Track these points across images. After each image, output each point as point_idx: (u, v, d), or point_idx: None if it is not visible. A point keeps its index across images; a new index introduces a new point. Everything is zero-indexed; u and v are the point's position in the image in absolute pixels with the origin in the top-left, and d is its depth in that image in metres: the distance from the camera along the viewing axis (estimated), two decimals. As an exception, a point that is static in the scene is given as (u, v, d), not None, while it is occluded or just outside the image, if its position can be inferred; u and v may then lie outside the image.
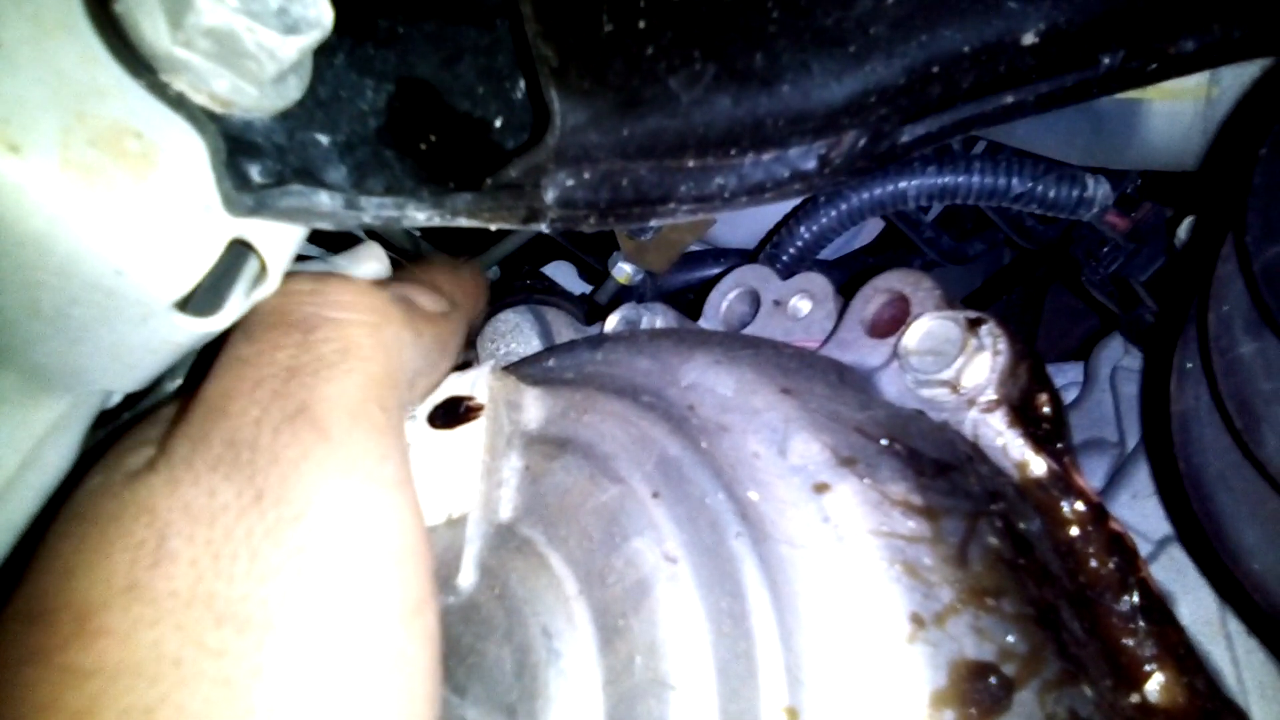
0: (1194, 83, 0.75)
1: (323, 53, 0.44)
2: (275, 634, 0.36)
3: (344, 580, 0.38)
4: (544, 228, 0.50)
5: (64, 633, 0.35)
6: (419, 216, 0.45)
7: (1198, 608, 0.72)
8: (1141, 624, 0.49)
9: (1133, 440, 0.85)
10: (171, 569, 0.36)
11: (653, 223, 0.54)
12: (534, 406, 0.56)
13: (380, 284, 0.50)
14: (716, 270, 1.09)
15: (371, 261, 0.53)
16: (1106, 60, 0.55)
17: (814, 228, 0.90)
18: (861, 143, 0.54)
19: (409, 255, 0.93)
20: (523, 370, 0.63)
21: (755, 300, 0.74)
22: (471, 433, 0.52)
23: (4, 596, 0.39)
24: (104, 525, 0.38)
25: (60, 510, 0.41)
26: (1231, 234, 0.45)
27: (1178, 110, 0.77)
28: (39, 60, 0.37)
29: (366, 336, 0.44)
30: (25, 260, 0.38)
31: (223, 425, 0.40)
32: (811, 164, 0.54)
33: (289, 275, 0.45)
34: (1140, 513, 0.78)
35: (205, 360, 0.45)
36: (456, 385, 0.54)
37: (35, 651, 0.35)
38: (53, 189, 0.37)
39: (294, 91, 0.43)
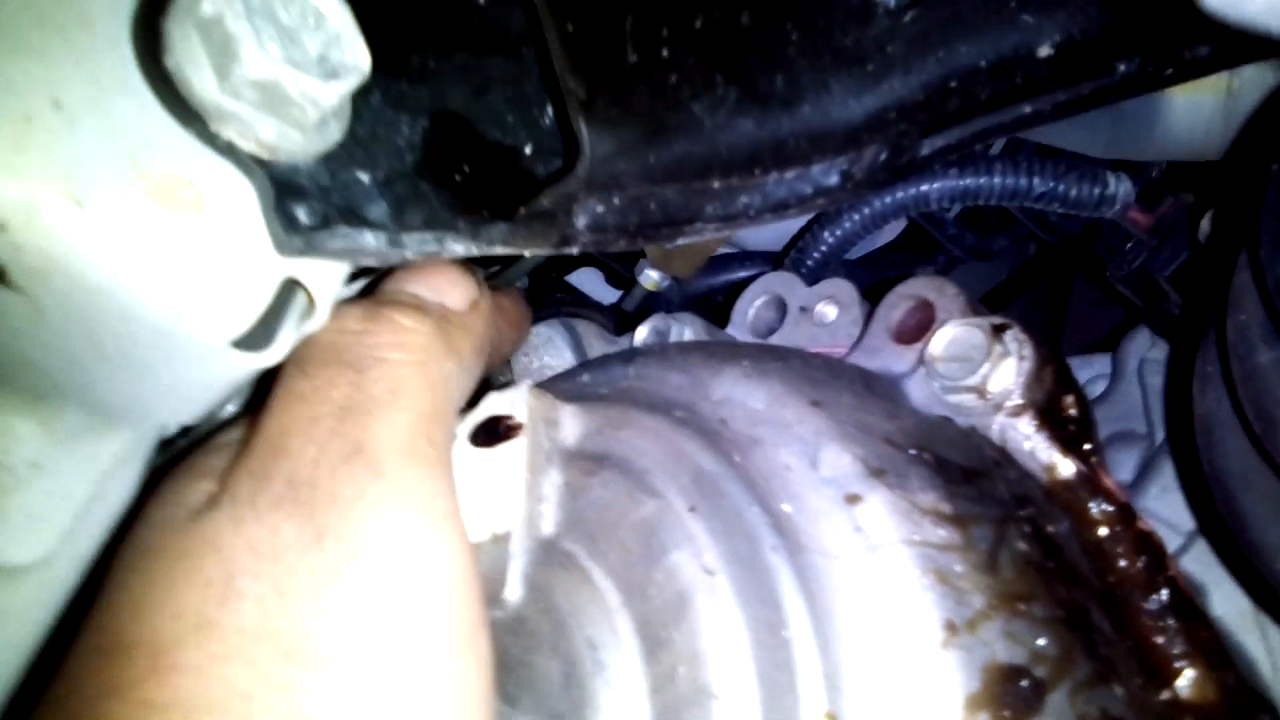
0: (1214, 75, 0.75)
1: (360, 93, 0.46)
2: (340, 669, 0.38)
3: (402, 614, 0.40)
4: (575, 251, 0.52)
5: (140, 668, 0.37)
6: (458, 249, 0.47)
7: (1230, 599, 0.73)
8: (1171, 621, 0.50)
9: (1161, 432, 0.85)
10: (240, 606, 0.38)
11: (680, 241, 0.55)
12: (571, 423, 0.57)
13: (411, 283, 0.51)
14: (743, 274, 1.11)
15: None
16: (1122, 67, 0.55)
17: (838, 232, 0.91)
18: (882, 157, 0.55)
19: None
20: (559, 387, 0.64)
21: (782, 307, 0.75)
22: (512, 451, 0.54)
23: (77, 626, 0.42)
24: (173, 562, 0.40)
25: (125, 543, 0.43)
26: (1246, 247, 0.46)
27: (1199, 102, 0.77)
28: (98, 117, 0.39)
29: (415, 374, 0.45)
30: (89, 307, 0.40)
31: (283, 464, 0.42)
32: (834, 179, 0.55)
33: (340, 310, 0.47)
34: (1169, 505, 0.79)
35: (263, 387, 0.46)
36: (496, 405, 0.56)
37: (113, 686, 0.37)
38: (113, 240, 0.39)
39: (335, 133, 0.45)
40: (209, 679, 0.37)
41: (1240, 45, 0.55)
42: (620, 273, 1.15)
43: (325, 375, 0.44)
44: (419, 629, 0.40)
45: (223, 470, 0.44)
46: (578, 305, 0.89)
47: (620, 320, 1.02)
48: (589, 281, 1.29)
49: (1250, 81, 0.75)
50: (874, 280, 1.10)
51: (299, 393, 0.44)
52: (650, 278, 1.04)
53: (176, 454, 0.51)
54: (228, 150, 0.42)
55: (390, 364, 0.45)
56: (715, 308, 1.13)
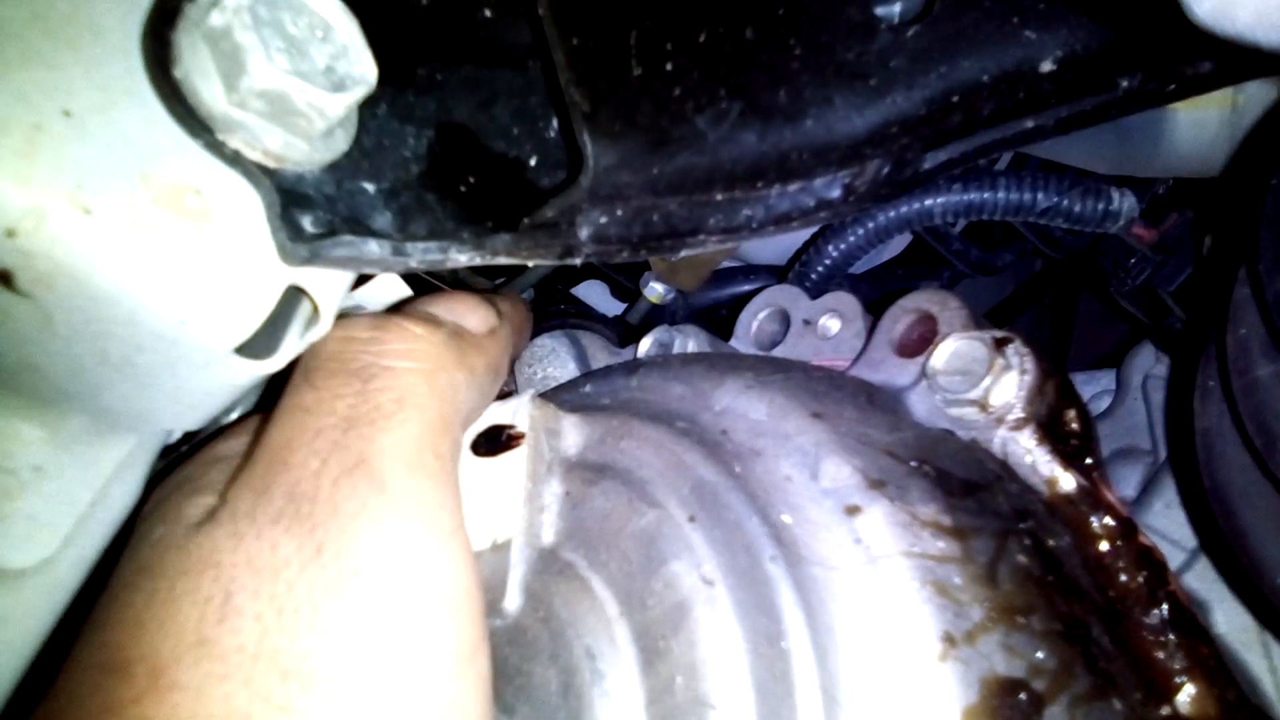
0: (1219, 92, 0.76)
1: (366, 104, 0.47)
2: (337, 689, 0.38)
3: (402, 633, 0.40)
4: (579, 262, 0.52)
5: (139, 686, 0.37)
6: (461, 259, 0.47)
7: (1234, 615, 0.73)
8: (1171, 636, 0.50)
9: (1165, 449, 0.85)
10: (238, 624, 0.38)
11: (683, 253, 0.55)
12: (573, 433, 0.58)
13: (429, 305, 0.51)
14: (747, 287, 1.11)
15: (392, 290, 0.55)
16: (1125, 83, 0.56)
17: (841, 246, 0.91)
18: (885, 171, 0.56)
19: (449, 283, 0.96)
20: (561, 397, 0.65)
21: (785, 320, 0.76)
22: (514, 460, 0.54)
23: (76, 631, 0.41)
24: (172, 579, 0.39)
25: (125, 558, 0.42)
26: (1246, 262, 0.46)
27: (1203, 119, 0.78)
28: (107, 126, 0.40)
29: (422, 384, 0.45)
30: (96, 313, 0.41)
31: (284, 477, 0.41)
32: (836, 193, 0.56)
33: (348, 319, 0.47)
34: (1173, 521, 0.79)
35: (268, 394, 0.47)
36: (498, 414, 0.56)
37: (113, 703, 0.37)
38: (120, 247, 0.39)
39: (341, 143, 0.46)
40: (207, 698, 0.36)
41: (1241, 61, 0.56)
42: (625, 285, 1.15)
43: (330, 385, 0.44)
44: (419, 648, 0.40)
45: (223, 484, 0.43)
46: (582, 317, 0.89)
47: (624, 333, 1.03)
48: (594, 294, 1.30)
49: (1254, 98, 0.75)
50: (878, 295, 1.11)
51: (303, 404, 0.44)
52: (655, 290, 1.04)
53: (175, 460, 0.52)
54: (234, 159, 0.42)
55: (397, 372, 0.45)
56: (719, 321, 1.13)
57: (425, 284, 0.85)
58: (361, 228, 0.45)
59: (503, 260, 0.49)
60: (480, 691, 0.42)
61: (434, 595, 0.41)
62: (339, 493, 0.41)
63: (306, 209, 0.44)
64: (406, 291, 0.56)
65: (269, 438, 0.43)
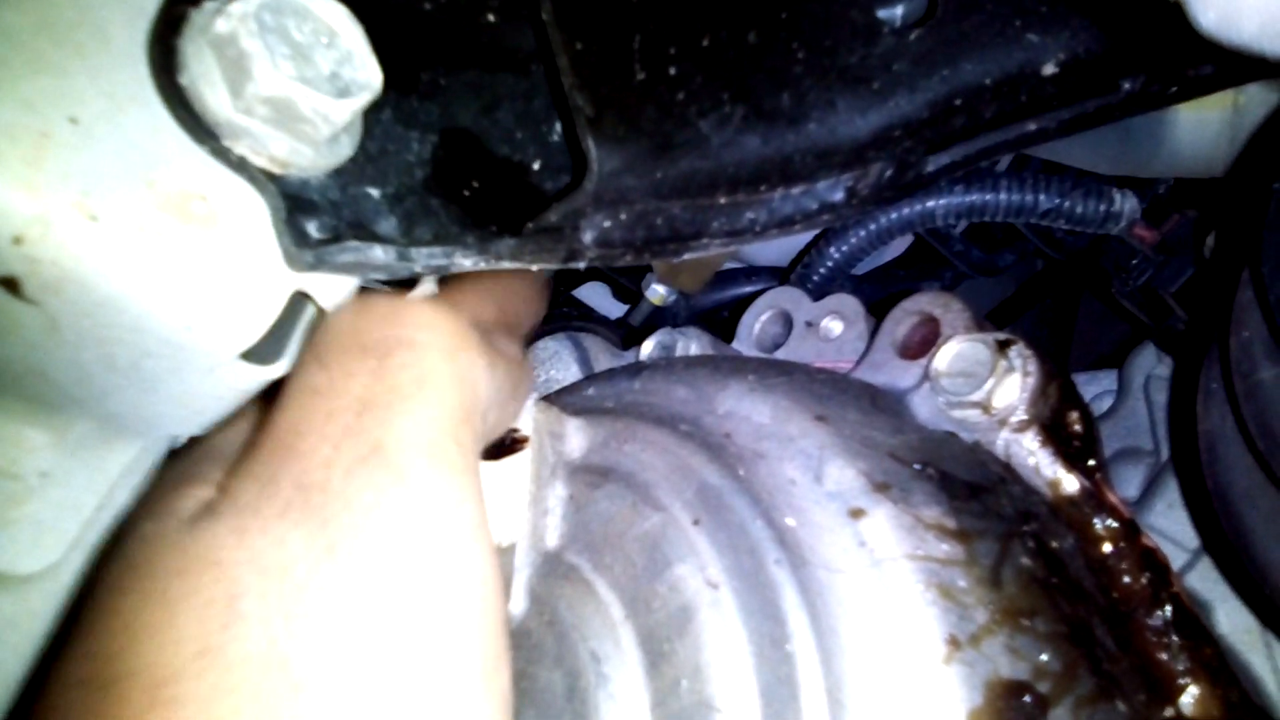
0: (1220, 92, 0.76)
1: (371, 109, 0.47)
2: (354, 703, 0.34)
3: (425, 641, 0.36)
4: (582, 265, 0.52)
5: (136, 702, 0.33)
6: (466, 263, 0.47)
7: (1237, 616, 0.73)
8: (1175, 638, 0.50)
9: (1167, 449, 0.85)
10: (245, 630, 0.34)
11: (686, 256, 0.56)
12: (576, 436, 0.58)
13: (457, 302, 0.49)
14: (749, 289, 1.11)
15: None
16: (1127, 85, 0.56)
17: (843, 248, 0.91)
18: (887, 174, 0.56)
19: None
20: (564, 400, 0.65)
21: (788, 322, 0.76)
22: (518, 463, 0.54)
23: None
24: (167, 580, 0.35)
25: (112, 560, 0.38)
26: (1249, 265, 0.46)
27: (1205, 119, 0.78)
28: (114, 133, 0.40)
29: (443, 363, 0.41)
30: (103, 319, 0.41)
31: (292, 466, 0.37)
32: (839, 196, 0.56)
33: (366, 296, 0.45)
34: (1176, 521, 0.79)
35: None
36: (502, 418, 0.56)
37: None
38: (127, 253, 0.40)
39: (346, 149, 0.46)
40: (213, 713, 0.33)
41: (1243, 63, 0.56)
42: (627, 287, 1.15)
43: (343, 364, 0.40)
44: (442, 657, 0.36)
45: (222, 474, 0.40)
46: (584, 320, 0.89)
47: (627, 335, 1.03)
48: (595, 296, 1.30)
49: (1256, 98, 0.75)
50: (880, 296, 1.11)
51: (312, 384, 0.40)
52: (657, 292, 1.04)
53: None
54: (240, 165, 0.42)
55: (417, 348, 0.41)
56: (721, 323, 1.13)
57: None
58: (366, 233, 0.45)
59: (507, 264, 0.49)
60: (502, 703, 0.38)
61: (457, 600, 0.37)
62: (353, 483, 0.37)
63: (311, 214, 0.44)
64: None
65: (274, 422, 0.39)
